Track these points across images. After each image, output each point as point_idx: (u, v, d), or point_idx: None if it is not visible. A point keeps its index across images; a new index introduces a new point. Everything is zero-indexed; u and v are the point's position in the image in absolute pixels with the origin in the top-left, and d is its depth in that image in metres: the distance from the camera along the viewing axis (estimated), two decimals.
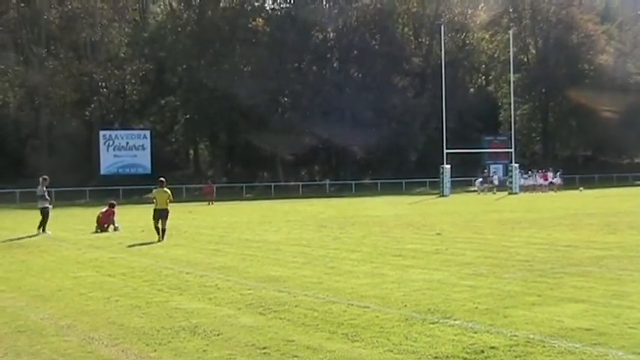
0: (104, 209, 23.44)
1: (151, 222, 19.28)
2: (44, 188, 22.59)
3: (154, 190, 19.42)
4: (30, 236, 21.19)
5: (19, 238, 20.60)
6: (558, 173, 56.74)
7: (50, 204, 22.76)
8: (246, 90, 57.58)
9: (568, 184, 55.62)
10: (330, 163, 70.11)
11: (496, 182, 54.63)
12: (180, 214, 29.08)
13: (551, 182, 54.83)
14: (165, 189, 19.29)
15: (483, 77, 79.09)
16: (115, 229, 22.53)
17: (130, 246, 17.85)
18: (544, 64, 72.01)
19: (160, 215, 18.85)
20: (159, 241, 18.38)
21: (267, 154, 62.65)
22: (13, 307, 9.69)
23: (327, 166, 70.37)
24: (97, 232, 22.19)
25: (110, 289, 11.01)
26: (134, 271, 13.07)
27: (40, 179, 22.87)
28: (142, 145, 57.66)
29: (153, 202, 19.44)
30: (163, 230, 18.70)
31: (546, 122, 74.91)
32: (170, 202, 19.07)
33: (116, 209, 23.52)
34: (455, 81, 65.03)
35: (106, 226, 22.59)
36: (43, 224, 21.97)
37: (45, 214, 22.06)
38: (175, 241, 18.58)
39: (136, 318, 8.69)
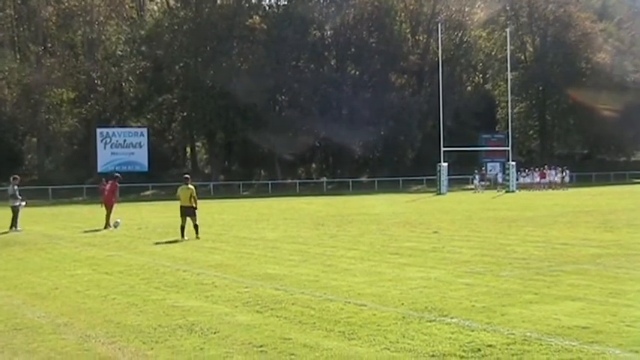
0: (107, 184, 23.51)
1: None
2: (15, 187, 23.36)
3: (179, 188, 19.35)
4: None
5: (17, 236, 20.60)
6: (567, 171, 56.70)
7: (23, 202, 23.33)
8: (244, 88, 57.44)
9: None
10: (328, 161, 70.06)
11: (499, 180, 54.62)
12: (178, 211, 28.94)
13: (551, 181, 54.92)
14: (190, 186, 19.13)
15: (480, 75, 79.01)
16: (116, 225, 22.59)
17: (126, 244, 17.84)
18: (541, 62, 72.04)
19: (186, 213, 18.71)
20: (182, 240, 18.03)
21: (264, 152, 62.52)
22: (10, 306, 9.68)
23: (325, 164, 70.33)
24: (101, 207, 22.99)
25: (107, 287, 11.01)
26: (131, 269, 13.07)
27: (11, 178, 24.00)
28: (139, 143, 57.55)
29: (178, 200, 19.33)
30: (196, 226, 18.55)
31: (543, 120, 74.94)
32: (194, 199, 18.90)
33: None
34: (452, 79, 65.02)
35: (113, 202, 22.74)
36: (13, 222, 22.58)
37: (15, 212, 22.78)
38: (173, 238, 18.56)
39: (132, 316, 8.68)
